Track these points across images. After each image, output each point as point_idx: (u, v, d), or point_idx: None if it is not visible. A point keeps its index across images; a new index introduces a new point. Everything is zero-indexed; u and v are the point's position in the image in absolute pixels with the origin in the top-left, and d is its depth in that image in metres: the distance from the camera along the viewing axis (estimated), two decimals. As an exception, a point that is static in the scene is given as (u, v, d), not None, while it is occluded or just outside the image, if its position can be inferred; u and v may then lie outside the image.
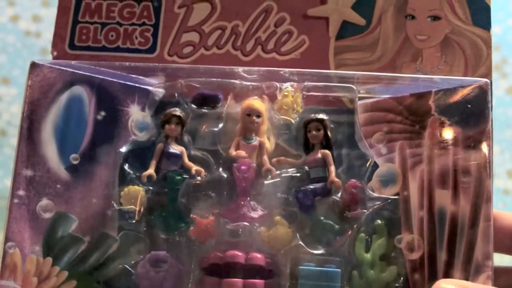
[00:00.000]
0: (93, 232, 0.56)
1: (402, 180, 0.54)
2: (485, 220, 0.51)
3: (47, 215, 0.55)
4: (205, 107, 0.58)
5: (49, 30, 1.27)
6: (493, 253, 0.50)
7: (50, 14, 1.28)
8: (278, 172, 0.56)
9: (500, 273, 0.52)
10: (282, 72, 0.57)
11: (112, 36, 0.63)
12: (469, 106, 0.53)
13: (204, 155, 0.58)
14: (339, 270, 0.52)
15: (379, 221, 0.54)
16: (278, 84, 0.57)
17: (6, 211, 0.54)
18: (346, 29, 0.61)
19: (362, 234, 0.54)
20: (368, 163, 0.56)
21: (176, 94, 0.59)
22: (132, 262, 0.55)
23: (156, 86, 0.59)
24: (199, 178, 0.57)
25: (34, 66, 0.57)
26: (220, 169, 0.57)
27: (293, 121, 0.57)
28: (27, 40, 1.27)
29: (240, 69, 0.58)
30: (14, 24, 1.28)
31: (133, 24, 0.63)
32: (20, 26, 1.28)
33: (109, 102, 0.59)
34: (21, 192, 0.54)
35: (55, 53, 0.62)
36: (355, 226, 0.55)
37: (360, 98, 0.57)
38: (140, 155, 0.58)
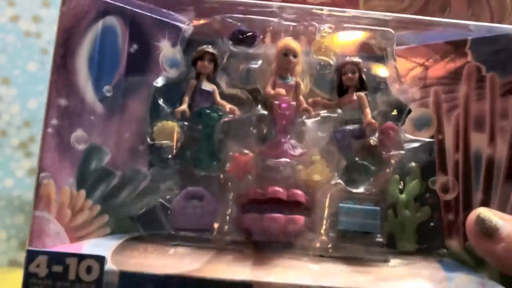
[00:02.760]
0: (125, 166, 0.55)
1: (437, 124, 0.55)
2: (522, 163, 0.53)
3: (81, 146, 0.53)
4: (242, 44, 0.57)
5: (49, 30, 1.24)
6: (529, 193, 0.52)
7: (50, 14, 1.26)
8: (314, 113, 0.57)
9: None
10: (319, 11, 0.57)
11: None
12: (505, 53, 0.54)
13: (240, 93, 0.57)
14: (378, 208, 0.53)
15: (413, 163, 0.56)
16: (317, 25, 0.57)
17: (39, 141, 0.52)
18: (377, -24, 0.62)
19: (397, 176, 0.55)
20: (402, 109, 0.57)
21: (210, 32, 0.58)
22: (165, 198, 0.55)
23: (189, 22, 0.58)
24: (232, 116, 0.57)
25: (67, -6, 0.54)
26: (259, 107, 0.56)
27: (331, 62, 0.57)
28: (27, 40, 1.24)
29: (277, 5, 0.57)
30: (14, 24, 1.24)
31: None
32: (20, 26, 1.24)
33: (141, 36, 0.57)
34: (54, 121, 0.52)
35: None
36: (390, 167, 0.55)
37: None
38: (171, 91, 0.57)
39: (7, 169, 1.22)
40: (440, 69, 0.56)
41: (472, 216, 0.49)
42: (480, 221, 0.49)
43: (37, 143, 1.21)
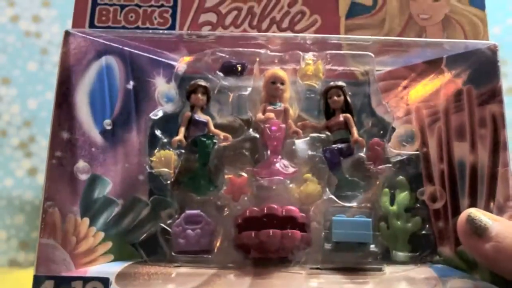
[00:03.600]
0: (126, 195, 0.58)
1: (421, 138, 0.58)
2: (503, 166, 0.55)
3: (84, 177, 0.56)
4: (232, 75, 0.61)
5: (49, 30, 1.27)
6: (512, 195, 0.54)
7: (50, 14, 1.29)
8: (303, 136, 0.60)
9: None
10: (302, 41, 0.61)
11: (131, 17, 0.65)
12: (480, 67, 0.58)
13: (232, 121, 0.61)
14: (370, 219, 0.55)
15: (401, 176, 0.58)
16: (301, 53, 0.61)
17: (44, 172, 0.55)
18: (355, 9, 0.66)
19: (386, 189, 0.58)
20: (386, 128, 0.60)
21: (201, 67, 0.62)
22: (165, 224, 0.57)
23: (181, 60, 0.62)
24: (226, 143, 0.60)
25: (68, 34, 0.58)
26: (250, 131, 0.59)
27: (316, 87, 0.61)
28: (27, 40, 1.26)
29: (263, 37, 0.61)
30: (14, 24, 1.28)
31: (151, 5, 0.65)
32: (20, 26, 1.27)
33: (137, 73, 0.61)
34: (58, 153, 0.55)
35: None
36: (378, 182, 0.58)
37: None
38: (167, 123, 0.61)
39: (7, 169, 1.21)
40: (419, 87, 0.60)
41: (463, 216, 0.52)
42: (471, 220, 0.51)
43: (37, 143, 1.20)
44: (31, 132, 1.22)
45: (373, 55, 0.61)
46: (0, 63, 1.22)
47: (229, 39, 0.61)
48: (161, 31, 0.61)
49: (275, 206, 0.55)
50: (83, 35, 0.59)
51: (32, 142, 1.22)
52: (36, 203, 1.23)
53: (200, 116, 0.61)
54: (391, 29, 0.65)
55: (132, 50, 0.61)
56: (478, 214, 0.51)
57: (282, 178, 0.56)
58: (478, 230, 0.50)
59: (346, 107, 0.61)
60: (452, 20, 0.65)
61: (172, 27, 0.64)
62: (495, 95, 0.57)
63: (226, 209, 0.57)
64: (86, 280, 0.50)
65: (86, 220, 0.55)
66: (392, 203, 0.57)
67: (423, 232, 0.57)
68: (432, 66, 0.60)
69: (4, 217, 1.20)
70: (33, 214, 1.18)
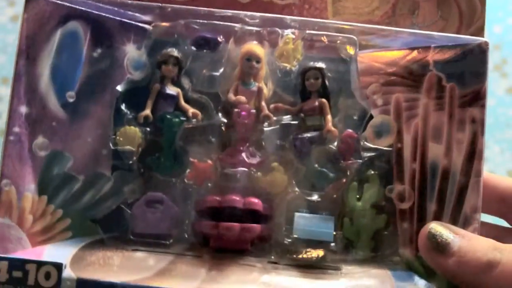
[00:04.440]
0: (88, 171, 0.56)
1: (396, 132, 0.56)
2: (476, 176, 0.53)
3: (43, 153, 0.54)
4: (205, 50, 0.58)
5: None
6: (481, 207, 0.53)
7: None
8: (275, 118, 0.57)
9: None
10: (284, 19, 0.57)
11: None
12: (467, 64, 0.54)
13: (202, 98, 0.58)
14: (332, 216, 0.54)
15: (371, 171, 0.56)
16: (280, 31, 0.57)
17: (2, 148, 0.53)
18: (346, -23, 0.61)
19: (354, 183, 0.56)
20: (364, 114, 0.57)
21: (175, 35, 0.58)
22: (127, 201, 0.56)
23: (153, 26, 0.58)
24: (195, 121, 0.57)
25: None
26: (219, 114, 0.57)
27: (293, 68, 0.57)
28: None
29: (242, 13, 0.57)
30: (14, 24, 1.23)
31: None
32: None
33: (105, 39, 0.57)
34: (16, 129, 0.53)
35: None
36: (348, 175, 0.56)
37: (360, 49, 0.58)
38: (135, 95, 0.58)
39: None
40: (402, 76, 0.56)
41: (424, 231, 0.51)
42: (431, 236, 0.50)
43: None
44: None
45: (356, 38, 0.57)
46: (0, 63, 1.18)
47: (206, 11, 0.57)
48: (128, 1, 0.57)
49: (237, 198, 0.53)
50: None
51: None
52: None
53: (170, 89, 0.58)
54: (382, 1, 0.61)
55: (100, 13, 0.57)
56: (439, 228, 0.50)
57: (246, 169, 0.55)
58: (439, 246, 0.49)
59: (323, 91, 0.58)
60: (449, -4, 0.61)
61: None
62: (478, 98, 0.53)
63: (190, 192, 0.56)
64: (40, 264, 0.50)
65: (44, 198, 0.54)
66: (359, 199, 0.56)
67: (387, 231, 0.56)
68: (419, 54, 0.56)
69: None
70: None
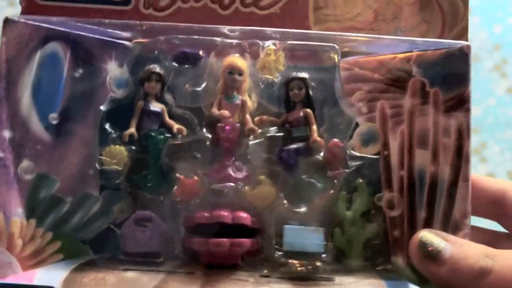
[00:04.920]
0: (75, 192, 0.56)
1: (383, 140, 0.56)
2: (464, 180, 0.53)
3: (28, 177, 0.54)
4: (186, 65, 0.57)
5: None
6: (470, 212, 0.52)
7: None
8: (260, 131, 0.57)
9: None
10: (264, 31, 0.57)
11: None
12: (450, 68, 0.54)
13: (186, 114, 0.58)
14: (322, 228, 0.54)
15: (360, 180, 0.56)
16: (260, 42, 0.57)
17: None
18: (327, -18, 0.61)
19: (343, 192, 0.56)
20: (350, 122, 0.57)
21: (156, 51, 0.58)
22: (116, 221, 0.56)
23: (134, 43, 0.58)
24: (180, 136, 0.57)
25: (7, 22, 0.54)
26: (204, 130, 0.57)
27: (275, 79, 0.57)
28: None
29: (222, 27, 0.57)
30: None
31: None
32: None
33: (86, 59, 0.57)
34: (1, 154, 0.53)
35: (23, 4, 0.59)
36: (336, 184, 0.56)
37: (342, 56, 0.58)
38: (119, 113, 0.57)
39: None
40: (386, 82, 0.56)
41: (415, 239, 0.50)
42: (422, 245, 0.50)
43: None
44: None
45: (337, 47, 0.57)
46: None
47: (186, 27, 0.57)
48: (107, 21, 0.56)
49: (225, 214, 0.53)
50: (25, 21, 0.55)
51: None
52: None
53: (154, 106, 0.58)
54: (365, 7, 0.60)
55: (80, 33, 0.56)
56: (430, 236, 0.50)
57: (233, 184, 0.55)
58: (430, 254, 0.49)
59: (308, 101, 0.57)
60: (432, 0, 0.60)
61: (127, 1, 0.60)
62: (462, 103, 0.53)
63: (178, 209, 0.56)
64: (31, 288, 0.50)
65: (33, 222, 0.54)
66: (348, 208, 0.56)
67: (378, 239, 0.55)
68: (402, 60, 0.56)
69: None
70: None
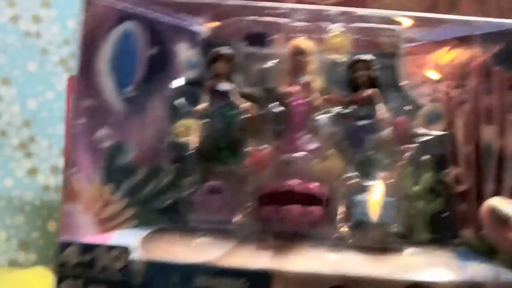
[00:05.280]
0: (148, 163, 0.58)
1: (448, 118, 0.57)
2: (531, 153, 0.54)
3: (106, 144, 0.56)
4: (255, 46, 0.60)
5: (49, 30, 1.25)
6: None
7: (50, 14, 1.28)
8: (328, 109, 0.59)
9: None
10: (329, 13, 0.59)
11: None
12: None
13: (255, 92, 0.60)
14: (392, 198, 0.55)
15: (426, 156, 0.57)
16: (327, 24, 0.59)
17: (66, 139, 0.55)
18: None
19: (410, 168, 0.57)
20: (414, 103, 0.59)
21: (226, 33, 0.60)
22: (187, 192, 0.57)
23: (205, 25, 0.61)
24: (249, 114, 0.59)
25: (89, 3, 0.57)
26: (272, 105, 0.58)
27: (341, 61, 0.59)
28: (27, 40, 1.25)
29: (290, 8, 0.59)
30: (14, 24, 1.26)
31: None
32: (20, 27, 1.26)
33: (159, 39, 0.60)
34: (81, 121, 0.55)
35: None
36: (402, 161, 0.57)
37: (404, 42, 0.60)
38: (190, 92, 0.60)
39: (7, 169, 1.22)
40: (449, 65, 0.58)
41: (485, 206, 0.51)
42: (493, 211, 0.51)
43: (37, 143, 1.20)
44: (30, 132, 1.22)
45: (401, 31, 0.59)
46: (0, 63, 1.21)
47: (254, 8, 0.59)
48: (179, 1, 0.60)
49: (296, 183, 0.55)
50: (103, 3, 0.58)
51: (31, 142, 1.22)
52: (36, 203, 1.22)
53: (223, 85, 0.60)
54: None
55: (154, 15, 0.60)
56: (500, 203, 0.51)
57: (304, 154, 0.56)
58: (501, 220, 0.50)
59: (373, 82, 0.59)
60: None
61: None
62: (527, 79, 0.55)
63: (248, 180, 0.57)
64: (108, 248, 0.51)
65: (110, 187, 0.56)
66: (415, 183, 0.57)
67: (446, 214, 0.56)
68: (463, 43, 0.58)
69: (4, 217, 1.20)
70: (33, 214, 1.18)
